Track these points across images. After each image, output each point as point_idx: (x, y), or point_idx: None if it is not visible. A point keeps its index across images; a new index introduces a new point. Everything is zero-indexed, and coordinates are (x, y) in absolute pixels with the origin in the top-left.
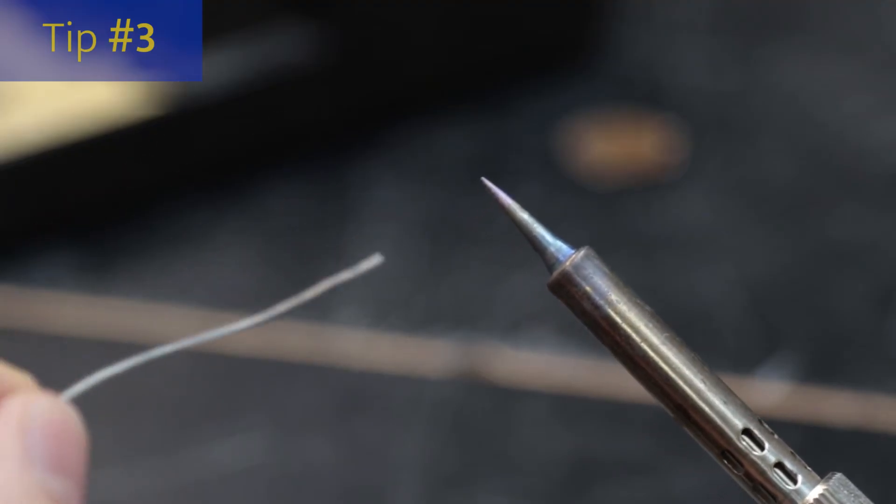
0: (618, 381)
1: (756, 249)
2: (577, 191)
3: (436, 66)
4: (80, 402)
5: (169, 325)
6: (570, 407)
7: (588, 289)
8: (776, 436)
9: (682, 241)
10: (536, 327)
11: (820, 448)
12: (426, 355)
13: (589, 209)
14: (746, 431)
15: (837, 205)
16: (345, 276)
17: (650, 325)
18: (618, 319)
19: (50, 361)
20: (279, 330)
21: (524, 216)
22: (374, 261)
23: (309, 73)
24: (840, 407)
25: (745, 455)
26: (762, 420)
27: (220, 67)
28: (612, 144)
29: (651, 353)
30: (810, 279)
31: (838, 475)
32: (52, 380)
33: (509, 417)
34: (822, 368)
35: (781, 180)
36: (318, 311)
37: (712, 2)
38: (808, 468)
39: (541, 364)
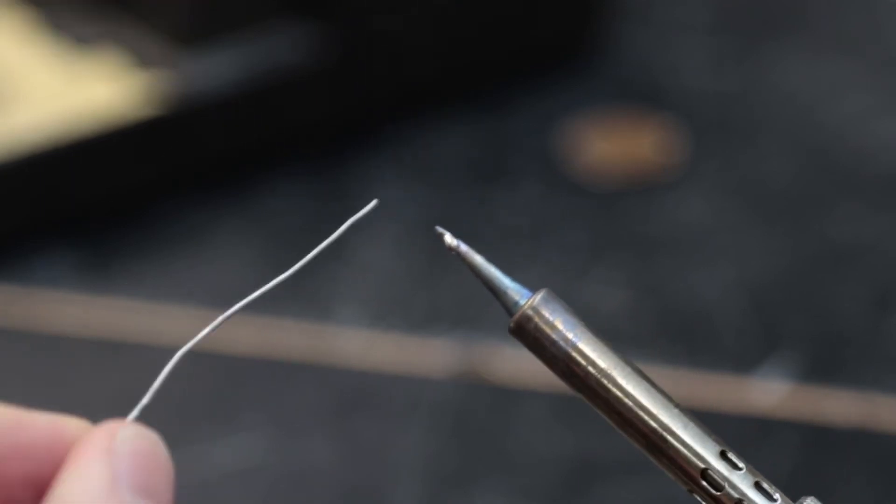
0: None
1: (756, 250)
2: (577, 191)
3: (436, 66)
4: (80, 404)
5: (169, 325)
6: (570, 407)
7: (547, 330)
8: (742, 467)
9: (682, 241)
10: None
11: (820, 448)
12: (426, 355)
13: (588, 209)
14: (723, 455)
15: (837, 205)
16: (346, 224)
17: (612, 362)
18: (579, 358)
19: (50, 361)
20: (279, 330)
21: (479, 259)
22: (371, 204)
23: (309, 73)
24: (840, 407)
25: (723, 477)
26: (725, 452)
27: (220, 67)
28: (612, 145)
29: (614, 390)
30: (810, 279)
31: (811, 498)
32: (52, 379)
33: (509, 417)
34: (822, 368)
35: (781, 180)
36: (318, 311)
37: (712, 2)
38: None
39: (541, 364)
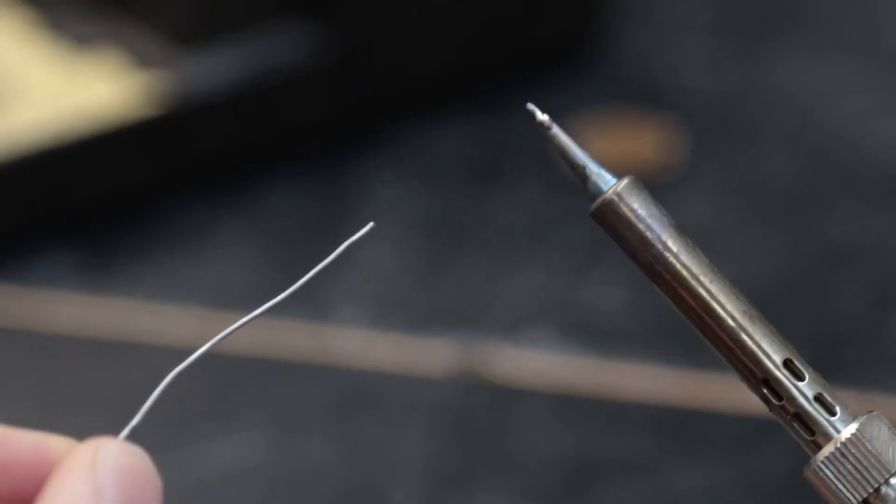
0: (618, 381)
1: (756, 249)
2: (577, 191)
3: (436, 66)
4: (79, 404)
5: (169, 325)
6: (570, 407)
7: (630, 217)
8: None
9: None
10: (536, 327)
11: None
12: (426, 355)
13: (588, 209)
14: (787, 363)
15: (837, 205)
16: (342, 247)
17: (692, 256)
18: (659, 248)
19: (50, 361)
20: (279, 330)
21: (567, 140)
22: (366, 227)
23: (309, 73)
24: None
25: (784, 386)
26: (790, 360)
27: (220, 67)
28: (612, 144)
29: (692, 282)
30: (810, 279)
31: (876, 412)
32: (52, 380)
33: (509, 417)
34: (822, 368)
35: (781, 180)
36: (318, 311)
37: (712, 2)
38: (846, 405)
39: (541, 364)
